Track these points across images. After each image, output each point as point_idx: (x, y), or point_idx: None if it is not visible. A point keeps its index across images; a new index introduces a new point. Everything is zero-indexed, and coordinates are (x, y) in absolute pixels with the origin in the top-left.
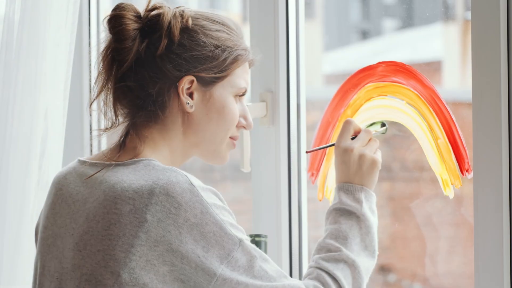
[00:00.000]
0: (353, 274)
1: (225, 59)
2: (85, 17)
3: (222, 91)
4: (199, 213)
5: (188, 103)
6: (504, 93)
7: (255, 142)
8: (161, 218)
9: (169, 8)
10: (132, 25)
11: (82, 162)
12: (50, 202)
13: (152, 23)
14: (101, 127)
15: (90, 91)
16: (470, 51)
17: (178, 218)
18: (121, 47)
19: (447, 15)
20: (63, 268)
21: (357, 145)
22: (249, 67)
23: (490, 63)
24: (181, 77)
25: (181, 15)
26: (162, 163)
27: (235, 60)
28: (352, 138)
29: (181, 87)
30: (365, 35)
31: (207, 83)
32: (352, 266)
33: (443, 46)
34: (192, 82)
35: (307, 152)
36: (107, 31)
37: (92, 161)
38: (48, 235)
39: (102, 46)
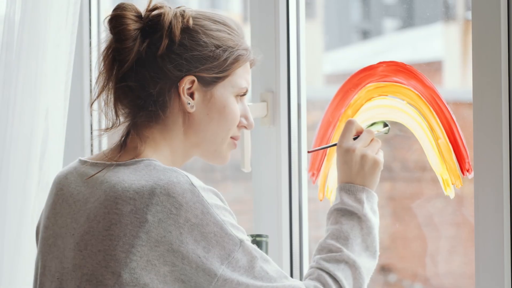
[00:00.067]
0: (354, 275)
1: (226, 59)
2: (85, 18)
3: (223, 91)
4: (200, 214)
5: (189, 103)
6: (505, 93)
7: (255, 142)
8: (162, 218)
9: (170, 8)
10: (133, 25)
11: (83, 162)
12: (51, 202)
13: (153, 23)
14: (102, 127)
15: (90, 92)
16: (470, 51)
17: (179, 218)
18: (122, 47)
19: (447, 15)
20: (64, 268)
21: (359, 146)
22: (250, 67)
23: (491, 63)
24: (182, 77)
25: (182, 15)
26: (163, 163)
27: (236, 60)
28: (354, 138)
29: (182, 87)
30: (365, 35)
31: (208, 83)
32: (353, 266)
33: (443, 46)
34: (193, 82)
35: (308, 152)
36: (108, 31)
37: (93, 161)
38: (49, 235)
39: (103, 46)
